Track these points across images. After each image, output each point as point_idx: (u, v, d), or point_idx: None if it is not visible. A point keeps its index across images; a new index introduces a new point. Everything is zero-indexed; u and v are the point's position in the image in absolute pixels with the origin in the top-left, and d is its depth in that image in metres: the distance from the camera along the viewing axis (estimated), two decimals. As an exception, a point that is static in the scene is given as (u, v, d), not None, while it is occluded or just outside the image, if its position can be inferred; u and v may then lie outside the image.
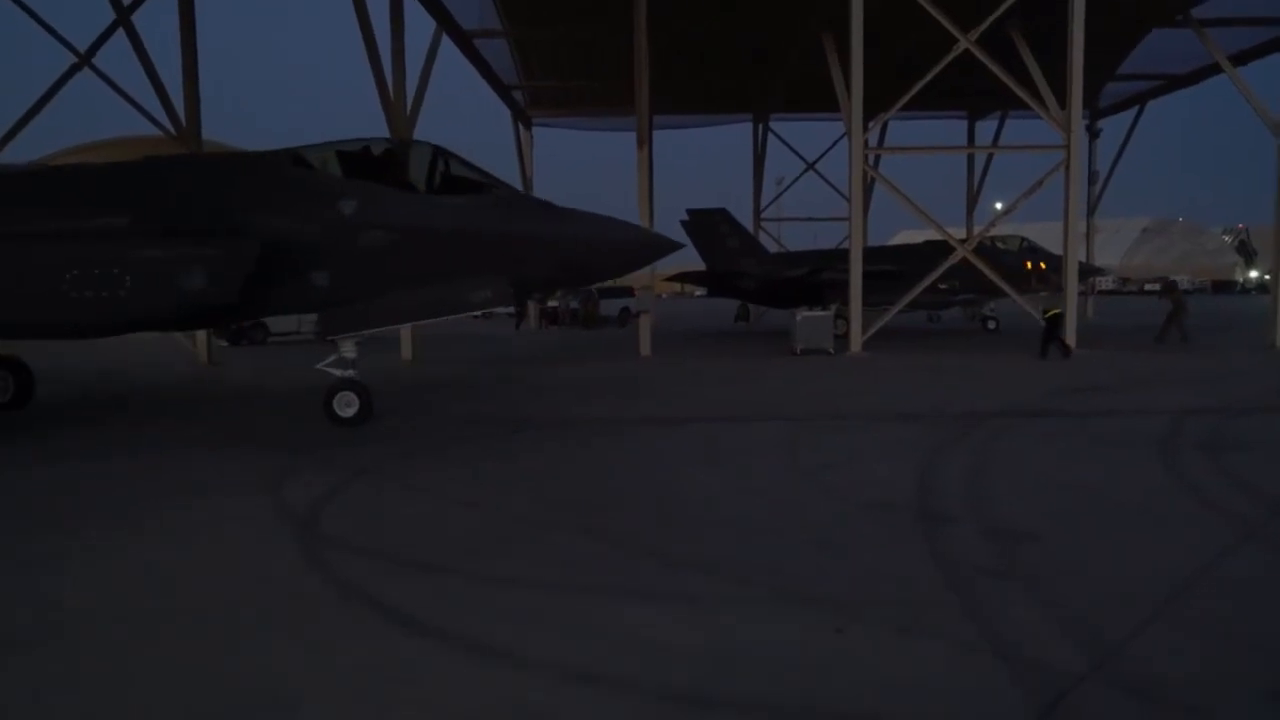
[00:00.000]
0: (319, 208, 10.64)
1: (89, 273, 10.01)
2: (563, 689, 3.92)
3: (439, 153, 11.09)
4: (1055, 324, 19.70)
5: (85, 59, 21.58)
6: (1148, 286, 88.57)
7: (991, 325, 29.30)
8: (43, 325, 10.76)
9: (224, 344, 28.74)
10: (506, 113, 36.20)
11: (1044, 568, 5.39)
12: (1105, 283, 78.19)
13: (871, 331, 21.75)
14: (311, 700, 3.86)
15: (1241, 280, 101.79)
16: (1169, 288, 27.96)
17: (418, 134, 22.40)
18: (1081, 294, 27.53)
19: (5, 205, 10.83)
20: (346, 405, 11.25)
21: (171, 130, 21.99)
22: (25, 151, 26.82)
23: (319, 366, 11.66)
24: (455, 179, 11.05)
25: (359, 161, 11.14)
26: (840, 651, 4.23)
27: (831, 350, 21.40)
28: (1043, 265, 27.46)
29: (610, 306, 39.28)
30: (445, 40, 24.99)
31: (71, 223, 10.40)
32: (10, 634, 4.66)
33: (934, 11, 20.69)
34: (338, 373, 11.42)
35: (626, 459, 9.28)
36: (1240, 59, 25.99)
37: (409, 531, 6.52)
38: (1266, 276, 69.37)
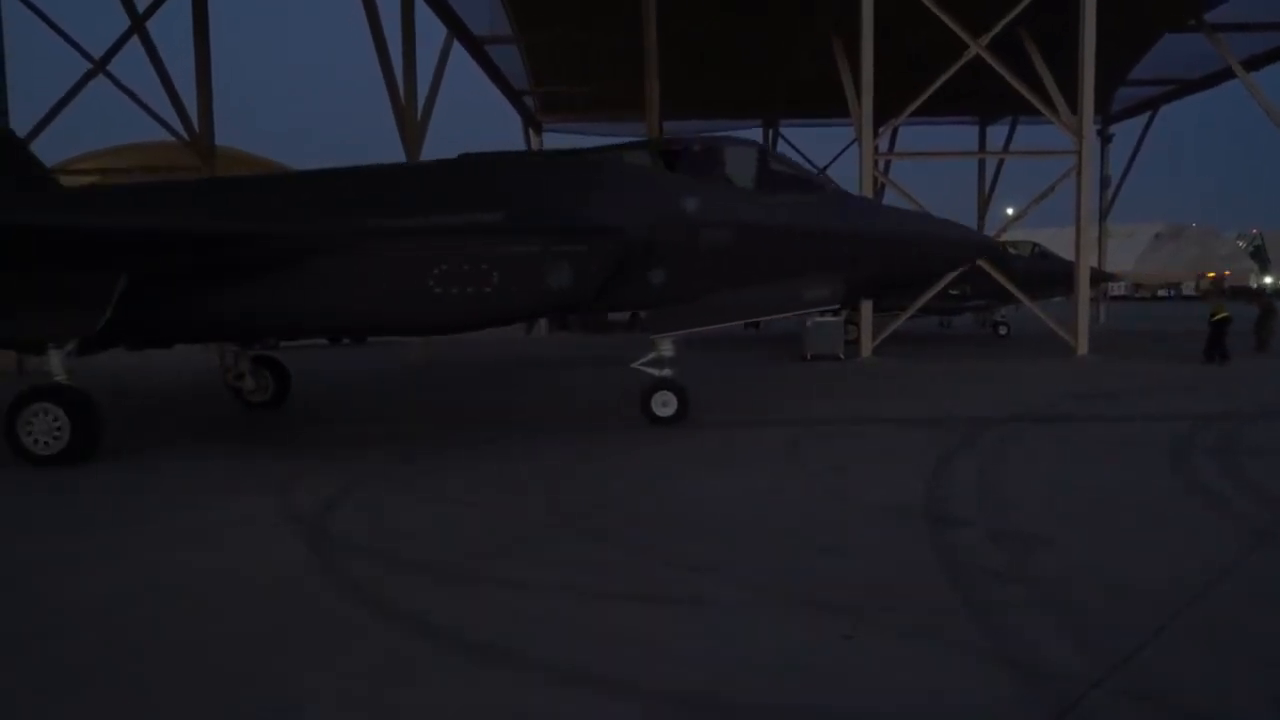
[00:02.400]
0: (664, 205, 10.59)
1: (458, 269, 9.99)
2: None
3: (765, 151, 11.07)
4: (1222, 328, 19.18)
5: (100, 65, 21.80)
6: (1160, 292, 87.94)
7: (1003, 331, 29.17)
8: (406, 323, 10.78)
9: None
10: (517, 118, 36.33)
11: (1057, 571, 5.36)
12: (1117, 288, 77.74)
13: (883, 337, 21.69)
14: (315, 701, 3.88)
15: (1256, 285, 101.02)
16: (1249, 294, 26.89)
17: (428, 140, 22.54)
18: (1093, 300, 27.40)
19: (373, 203, 10.71)
20: (664, 405, 11.27)
21: (185, 136, 22.18)
22: (42, 158, 27.08)
23: (635, 365, 11.57)
24: (783, 177, 11.03)
25: (687, 159, 11.09)
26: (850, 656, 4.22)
27: (842, 356, 21.34)
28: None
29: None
30: (456, 46, 25.13)
31: (442, 220, 10.29)
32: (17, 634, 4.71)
33: (944, 16, 20.66)
34: (655, 372, 11.43)
35: (637, 462, 9.28)
36: (1253, 64, 25.88)
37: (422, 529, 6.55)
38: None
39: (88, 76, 21.79)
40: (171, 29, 22.96)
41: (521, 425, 12.08)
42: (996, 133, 38.43)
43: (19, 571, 5.88)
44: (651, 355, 11.40)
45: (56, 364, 9.78)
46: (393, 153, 22.27)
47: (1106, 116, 35.00)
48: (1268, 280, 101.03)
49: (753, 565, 5.63)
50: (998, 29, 20.71)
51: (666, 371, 11.33)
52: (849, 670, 4.07)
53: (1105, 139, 35.66)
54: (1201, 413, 11.70)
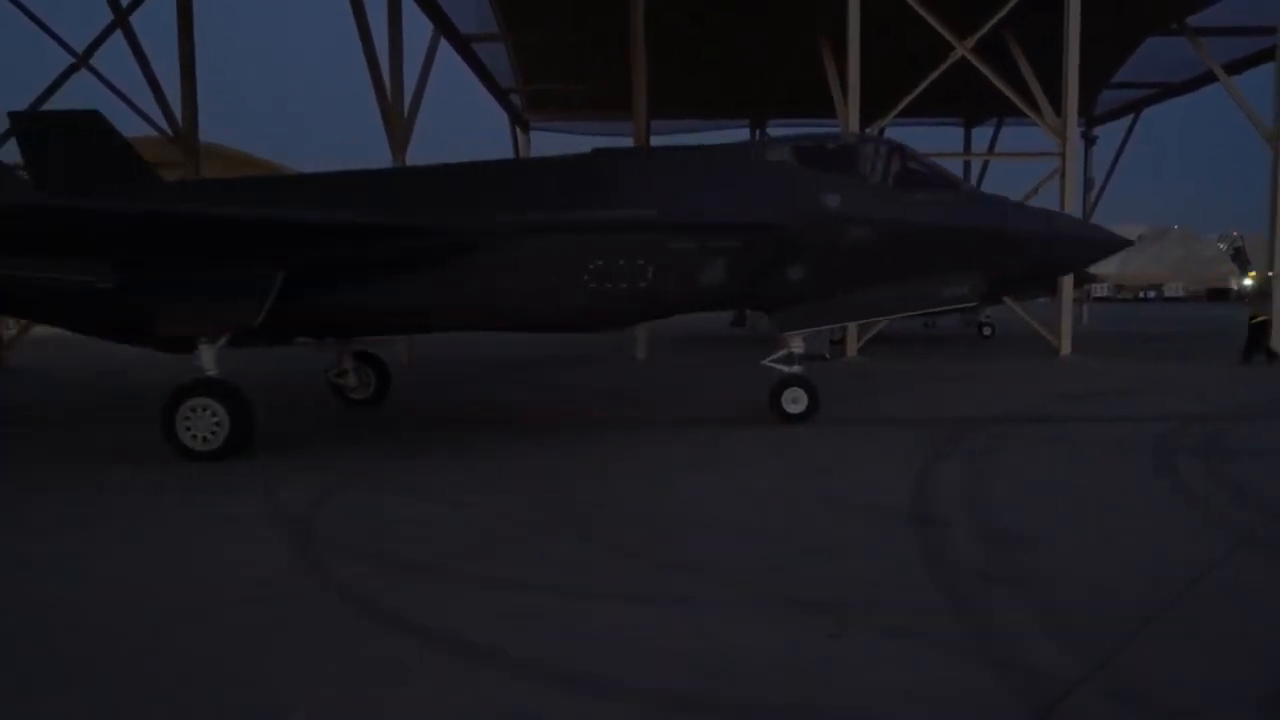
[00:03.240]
0: (811, 202, 10.54)
1: (613, 265, 9.98)
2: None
3: (903, 149, 11.05)
4: (1262, 330, 19.23)
5: (83, 60, 21.59)
6: (1142, 294, 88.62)
7: (987, 331, 29.37)
8: (556, 319, 10.72)
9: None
10: (504, 116, 36.23)
11: (1041, 571, 5.41)
12: (1100, 290, 78.34)
13: (868, 337, 21.78)
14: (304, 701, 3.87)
15: (1236, 288, 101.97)
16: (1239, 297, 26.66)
17: (415, 138, 22.46)
18: (1076, 301, 27.61)
19: (527, 197, 10.52)
20: (794, 401, 11.23)
21: (169, 131, 22.00)
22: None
23: (765, 363, 11.52)
24: (920, 175, 10.99)
25: (827, 156, 11.04)
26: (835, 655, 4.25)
27: (828, 356, 21.39)
28: None
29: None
30: (443, 44, 25.04)
31: (605, 216, 10.18)
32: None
33: (930, 18, 20.77)
34: (785, 369, 11.38)
35: (624, 462, 9.29)
36: (1234, 68, 26.13)
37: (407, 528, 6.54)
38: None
39: (70, 70, 21.58)
40: (155, 24, 22.77)
41: (515, 423, 12.07)
42: (981, 134, 38.67)
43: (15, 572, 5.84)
44: (782, 352, 11.43)
45: (208, 359, 9.66)
46: (379, 150, 22.17)
47: (1090, 119, 35.27)
48: (1247, 282, 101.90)
49: (739, 563, 5.67)
50: (983, 31, 20.84)
51: (797, 368, 11.34)
52: (835, 668, 4.10)
53: (1089, 141, 35.93)
54: (1185, 413, 11.82)
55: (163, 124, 22.02)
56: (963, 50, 21.02)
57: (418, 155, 22.72)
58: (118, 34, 21.76)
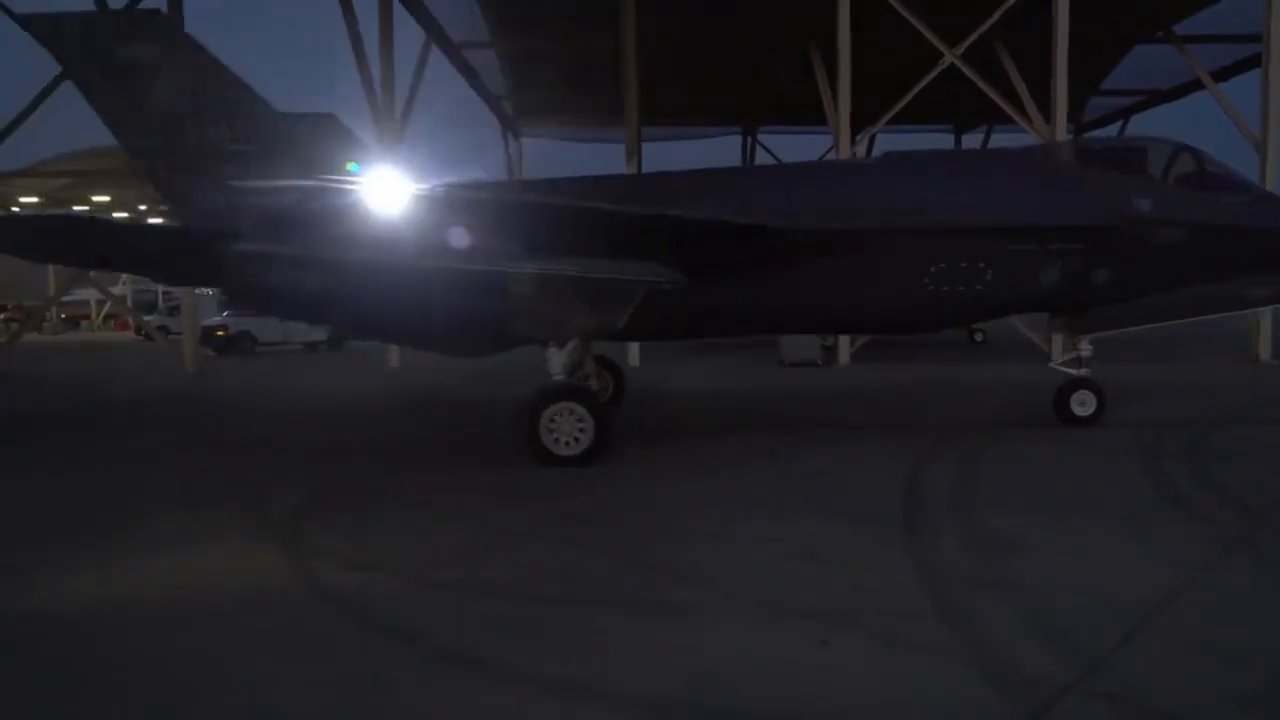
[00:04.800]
0: (1129, 204, 10.43)
1: (954, 268, 9.97)
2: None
3: (1200, 153, 10.99)
4: None
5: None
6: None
7: (979, 338, 29.43)
8: (896, 321, 10.74)
9: (210, 353, 28.64)
10: (496, 123, 36.25)
11: (1031, 573, 5.43)
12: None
13: (860, 344, 21.81)
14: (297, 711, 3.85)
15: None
16: None
17: (406, 144, 22.47)
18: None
19: (877, 199, 10.34)
20: (1082, 404, 11.18)
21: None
22: (11, 160, 26.76)
23: (1053, 365, 11.39)
24: (1218, 177, 10.87)
25: (1131, 159, 10.97)
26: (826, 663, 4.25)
27: (820, 362, 21.40)
28: None
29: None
30: (435, 51, 25.06)
31: (954, 219, 10.08)
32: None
33: (920, 26, 20.88)
34: (1073, 372, 11.28)
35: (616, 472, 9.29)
36: (1221, 75, 26.34)
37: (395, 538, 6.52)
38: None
39: (61, 77, 21.49)
40: (146, 31, 22.70)
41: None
42: (971, 141, 38.86)
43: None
44: (1071, 355, 11.39)
45: (558, 363, 9.54)
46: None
47: (1079, 125, 35.46)
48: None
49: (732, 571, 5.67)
50: (972, 38, 20.95)
51: (1085, 371, 11.31)
52: (826, 674, 4.10)
53: (1078, 148, 36.12)
54: (1177, 419, 11.88)
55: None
56: (952, 58, 21.13)
57: (409, 163, 22.70)
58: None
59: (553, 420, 9.03)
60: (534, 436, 9.01)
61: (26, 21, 10.88)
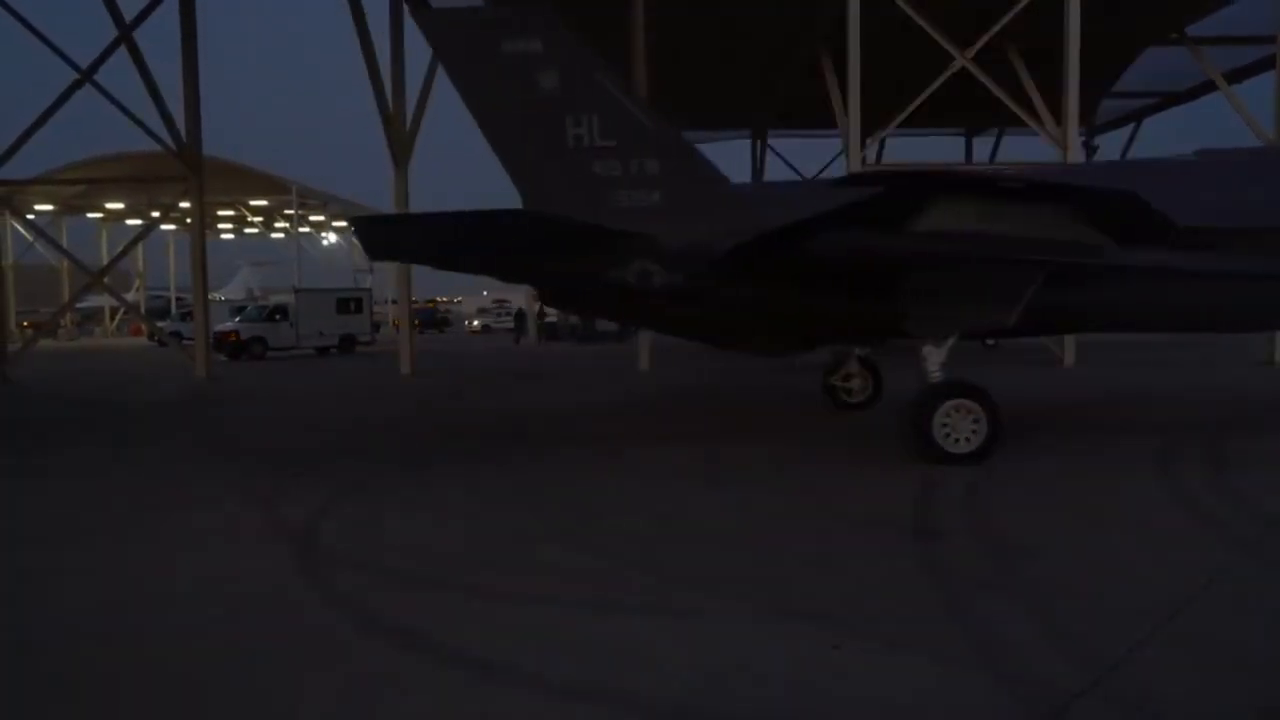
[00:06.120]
0: None
1: None
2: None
3: None
4: None
5: (87, 75, 21.70)
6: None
7: (990, 342, 29.26)
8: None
9: (223, 358, 28.79)
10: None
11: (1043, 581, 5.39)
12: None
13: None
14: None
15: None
16: None
17: (418, 152, 22.53)
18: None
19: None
20: None
21: (172, 145, 22.09)
22: (28, 167, 26.99)
23: None
24: None
25: None
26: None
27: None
28: None
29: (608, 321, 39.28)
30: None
31: None
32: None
33: (931, 29, 20.81)
34: None
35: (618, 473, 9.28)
36: (1235, 77, 26.15)
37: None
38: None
39: (74, 86, 21.69)
40: (159, 40, 22.88)
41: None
42: (983, 144, 38.72)
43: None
44: None
45: (935, 360, 9.46)
46: (382, 161, 22.26)
47: (1091, 128, 35.27)
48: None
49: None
50: (983, 41, 20.86)
51: None
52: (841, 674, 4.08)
53: (1090, 150, 35.93)
54: (1192, 422, 11.80)
55: (166, 138, 22.10)
56: (963, 60, 21.04)
57: (420, 167, 22.79)
58: (121, 50, 21.86)
59: (946, 418, 8.93)
60: (925, 435, 8.90)
61: (420, 16, 10.85)
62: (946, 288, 9.20)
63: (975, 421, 8.92)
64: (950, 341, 9.52)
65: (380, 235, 10.64)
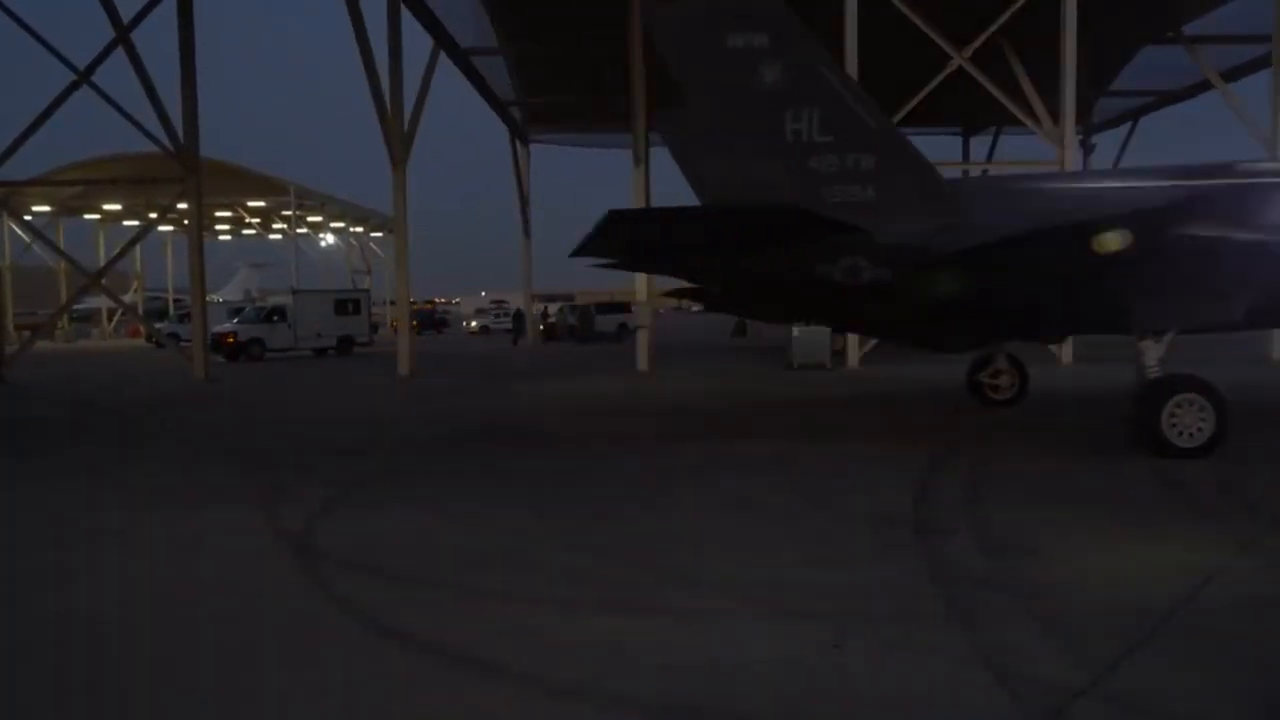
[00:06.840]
0: None
1: None
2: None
3: None
4: None
5: (84, 76, 21.66)
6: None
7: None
8: None
9: (221, 360, 28.76)
10: (504, 130, 36.32)
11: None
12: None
13: (869, 346, 21.74)
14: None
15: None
16: None
17: (416, 152, 22.51)
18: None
19: None
20: None
21: (170, 146, 22.06)
22: (26, 169, 26.98)
23: None
24: None
25: None
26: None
27: (829, 365, 21.36)
28: None
29: (607, 322, 39.34)
30: (443, 58, 25.10)
31: None
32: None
33: (928, 29, 20.83)
34: None
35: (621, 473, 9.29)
36: (1231, 75, 26.19)
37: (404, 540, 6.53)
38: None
39: (72, 87, 21.65)
40: (157, 41, 22.83)
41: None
42: (980, 143, 38.75)
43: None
44: None
45: (1154, 355, 9.55)
46: (379, 161, 22.26)
47: (1088, 127, 35.31)
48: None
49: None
50: (980, 41, 20.90)
51: None
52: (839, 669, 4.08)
53: (1087, 149, 35.98)
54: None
55: (164, 139, 22.05)
56: (960, 60, 21.07)
57: (417, 170, 22.77)
58: (119, 51, 21.82)
59: (1175, 412, 8.95)
60: (1154, 429, 8.93)
61: (647, 13, 10.87)
62: (1174, 284, 9.23)
63: (1203, 415, 8.96)
64: (1169, 337, 9.58)
65: (633, 232, 10.33)
